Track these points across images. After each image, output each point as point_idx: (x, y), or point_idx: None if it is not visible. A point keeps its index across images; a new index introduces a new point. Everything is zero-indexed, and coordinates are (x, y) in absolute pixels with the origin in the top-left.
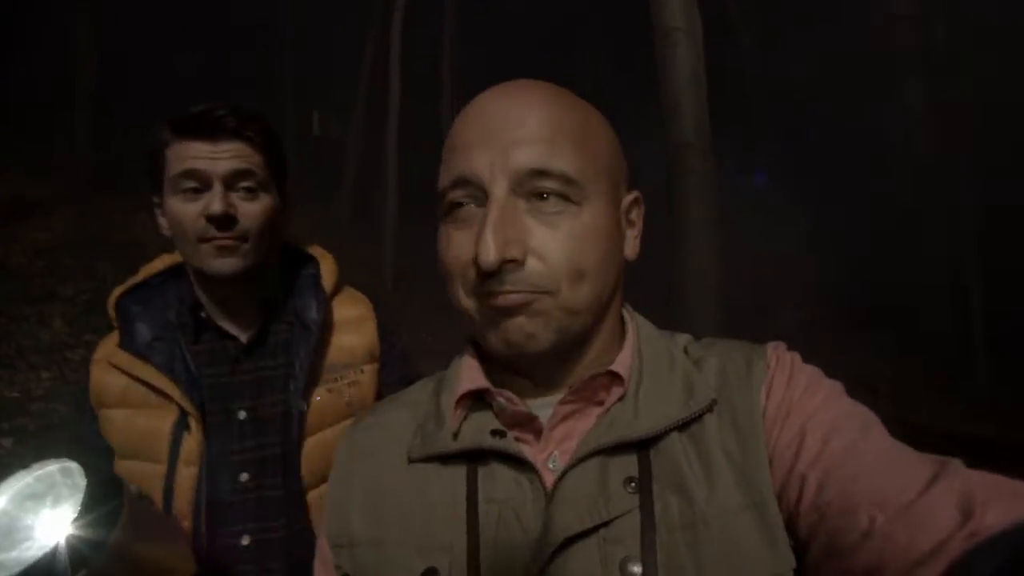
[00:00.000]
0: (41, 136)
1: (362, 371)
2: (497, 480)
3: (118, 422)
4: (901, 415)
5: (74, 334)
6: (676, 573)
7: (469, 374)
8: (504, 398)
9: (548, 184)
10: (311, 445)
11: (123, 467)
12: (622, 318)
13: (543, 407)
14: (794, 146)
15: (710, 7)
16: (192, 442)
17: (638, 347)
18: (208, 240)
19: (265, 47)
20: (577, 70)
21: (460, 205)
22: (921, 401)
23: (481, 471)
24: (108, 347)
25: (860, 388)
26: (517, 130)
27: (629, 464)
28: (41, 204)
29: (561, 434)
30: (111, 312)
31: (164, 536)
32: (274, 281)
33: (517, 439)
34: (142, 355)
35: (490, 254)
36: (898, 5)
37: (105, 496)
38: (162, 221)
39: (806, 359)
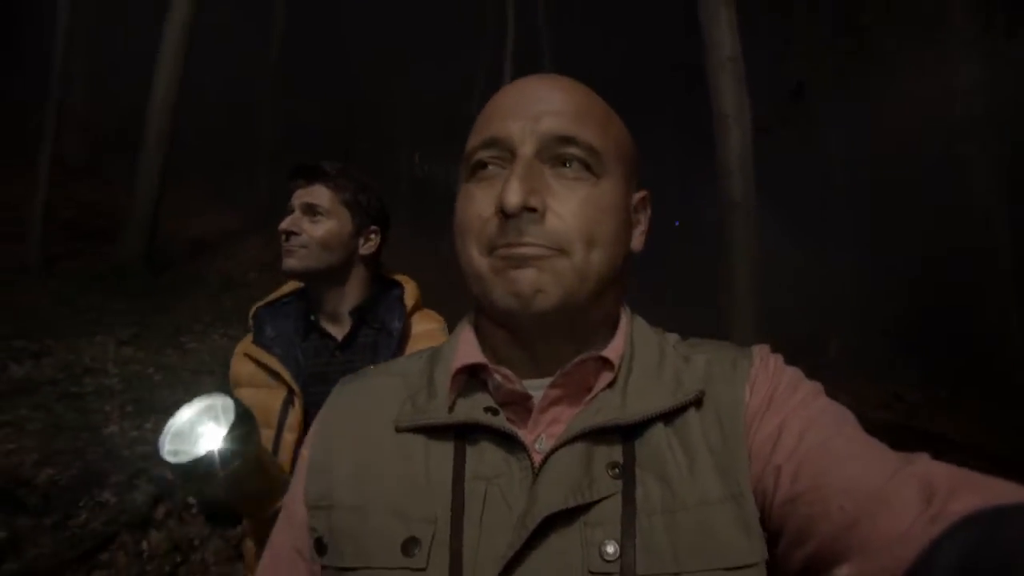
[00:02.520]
0: (231, 182)
1: None
2: (486, 457)
3: (245, 397)
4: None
5: None
6: (653, 557)
7: (466, 349)
8: (500, 375)
9: (572, 151)
10: None
11: None
12: (619, 310)
13: (537, 388)
14: (852, 193)
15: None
16: (295, 414)
17: (631, 338)
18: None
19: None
20: (653, 140)
21: (485, 166)
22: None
23: (470, 447)
24: (244, 344)
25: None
26: (548, 103)
27: (614, 449)
28: (238, 233)
29: (550, 417)
30: (250, 320)
31: (273, 463)
32: (366, 297)
33: (508, 419)
34: (267, 347)
35: (515, 195)
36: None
37: (246, 423)
38: None
39: (845, 385)
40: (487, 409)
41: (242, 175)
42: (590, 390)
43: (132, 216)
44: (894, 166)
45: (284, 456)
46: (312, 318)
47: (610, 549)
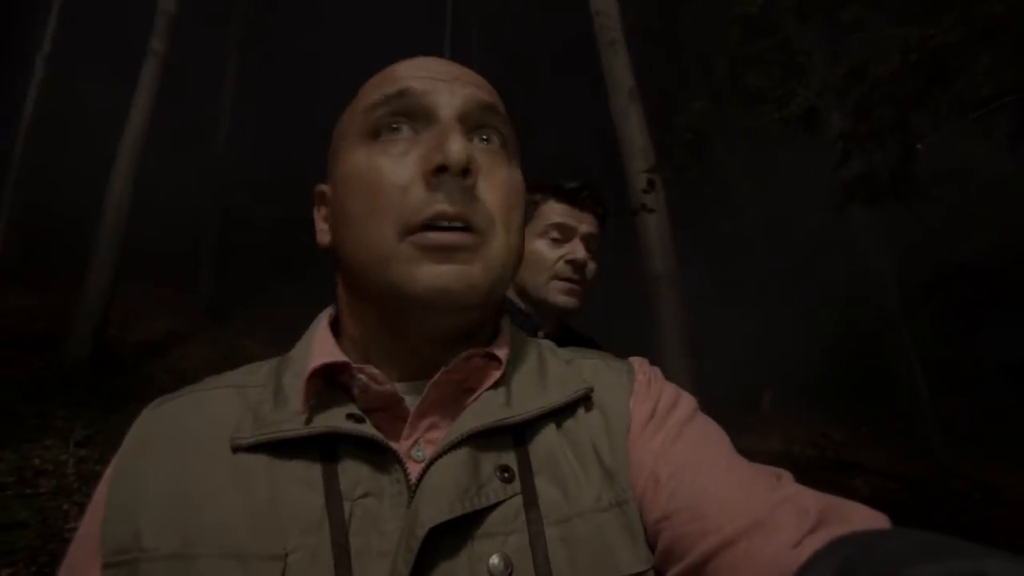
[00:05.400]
0: (175, 283)
1: None
2: (349, 473)
3: None
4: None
5: None
6: (551, 569)
7: (323, 347)
8: (366, 375)
9: (495, 121)
10: None
11: None
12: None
13: (409, 393)
14: (770, 256)
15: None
16: None
17: (511, 339)
18: (563, 279)
19: None
20: None
21: (393, 128)
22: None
23: (329, 464)
24: None
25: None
26: (463, 72)
27: (504, 453)
28: (184, 335)
29: (428, 422)
30: None
31: None
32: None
33: (375, 426)
34: None
35: (461, 149)
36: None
37: None
38: None
39: (779, 427)
40: (350, 416)
41: (182, 278)
42: (470, 392)
43: (79, 320)
44: (801, 228)
45: None
46: None
47: (499, 562)
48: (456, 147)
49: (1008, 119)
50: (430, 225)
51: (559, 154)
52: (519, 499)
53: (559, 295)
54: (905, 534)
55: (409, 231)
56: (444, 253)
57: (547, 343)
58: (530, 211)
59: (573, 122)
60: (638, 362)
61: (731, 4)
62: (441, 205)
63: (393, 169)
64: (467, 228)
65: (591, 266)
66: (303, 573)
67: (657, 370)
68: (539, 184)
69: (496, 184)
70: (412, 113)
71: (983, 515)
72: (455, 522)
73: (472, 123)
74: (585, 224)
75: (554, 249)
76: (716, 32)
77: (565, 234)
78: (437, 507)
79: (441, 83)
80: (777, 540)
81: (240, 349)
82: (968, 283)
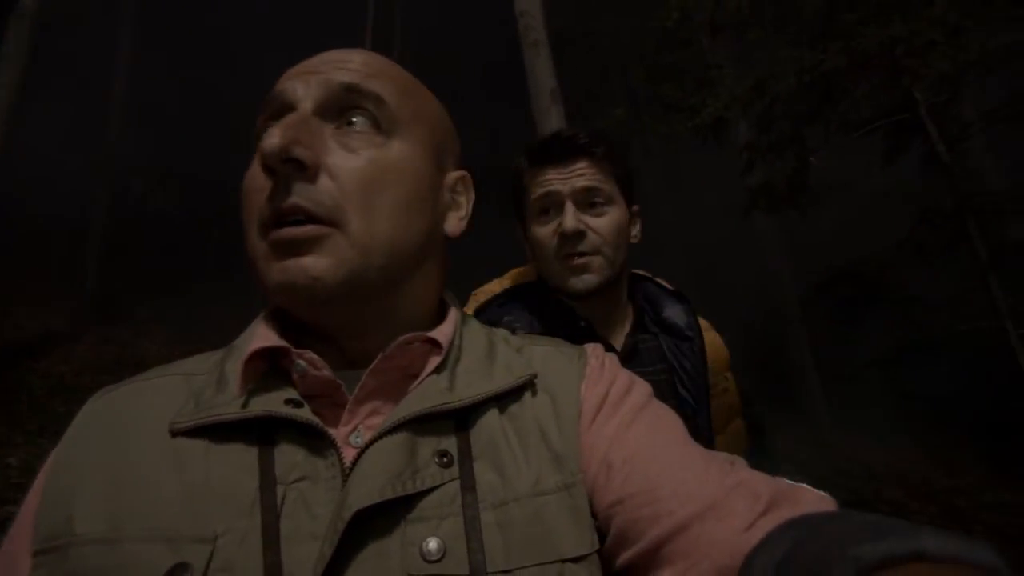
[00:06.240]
0: (58, 276)
1: (726, 378)
2: (286, 458)
3: None
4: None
5: None
6: (484, 554)
7: (264, 333)
8: (305, 360)
9: (360, 101)
10: None
11: None
12: (442, 298)
13: (348, 380)
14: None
15: None
16: None
17: (459, 326)
18: (564, 258)
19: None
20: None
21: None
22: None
23: (266, 448)
24: None
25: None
26: (339, 62)
27: (444, 438)
28: (66, 334)
29: (369, 408)
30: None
31: None
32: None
33: (316, 413)
34: None
35: (274, 139)
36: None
37: None
38: (528, 248)
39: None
40: (288, 401)
41: (63, 269)
42: (415, 378)
43: None
44: (711, 231)
45: None
46: (583, 324)
47: (432, 546)
48: (269, 142)
49: (883, 139)
50: (276, 222)
51: (478, 154)
52: (456, 484)
53: (566, 279)
54: (850, 515)
55: (265, 231)
56: (289, 248)
57: (502, 331)
58: (518, 191)
59: (494, 122)
60: (591, 347)
61: (648, 16)
62: (276, 202)
63: (257, 171)
64: (310, 220)
65: (598, 223)
66: (231, 555)
67: (612, 356)
68: (522, 154)
69: (349, 168)
70: (281, 114)
71: (859, 488)
72: (388, 506)
73: (336, 108)
74: (574, 179)
75: (546, 226)
76: (634, 42)
77: (554, 204)
78: (367, 491)
79: (304, 76)
80: (730, 524)
81: (136, 351)
82: (850, 284)
